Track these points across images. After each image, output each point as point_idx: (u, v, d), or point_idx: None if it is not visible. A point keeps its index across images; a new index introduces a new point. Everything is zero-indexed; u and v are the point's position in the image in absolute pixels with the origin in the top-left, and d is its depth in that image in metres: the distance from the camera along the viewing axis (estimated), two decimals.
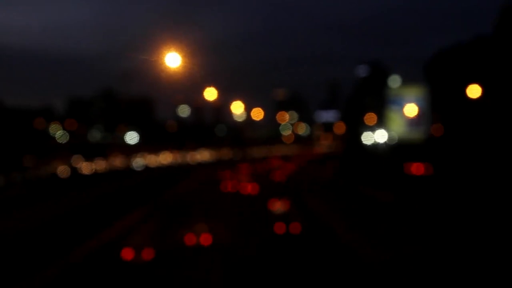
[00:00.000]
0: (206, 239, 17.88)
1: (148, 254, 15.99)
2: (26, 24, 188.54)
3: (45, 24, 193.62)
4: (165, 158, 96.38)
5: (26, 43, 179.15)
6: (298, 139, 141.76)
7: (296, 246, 17.37)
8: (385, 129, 75.75)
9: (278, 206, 27.22)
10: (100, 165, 71.29)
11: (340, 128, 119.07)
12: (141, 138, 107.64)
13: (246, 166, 72.79)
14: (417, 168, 46.72)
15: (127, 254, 16.05)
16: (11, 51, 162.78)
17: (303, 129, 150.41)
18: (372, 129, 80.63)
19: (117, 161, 76.57)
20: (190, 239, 17.93)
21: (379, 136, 76.15)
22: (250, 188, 39.84)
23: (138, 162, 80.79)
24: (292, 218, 22.77)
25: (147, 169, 73.99)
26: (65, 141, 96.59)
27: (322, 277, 13.50)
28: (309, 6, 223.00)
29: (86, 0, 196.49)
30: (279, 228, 20.48)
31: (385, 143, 74.12)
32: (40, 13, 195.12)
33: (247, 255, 16.13)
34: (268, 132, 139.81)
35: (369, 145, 78.88)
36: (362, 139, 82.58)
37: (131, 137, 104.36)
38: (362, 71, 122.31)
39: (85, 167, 66.79)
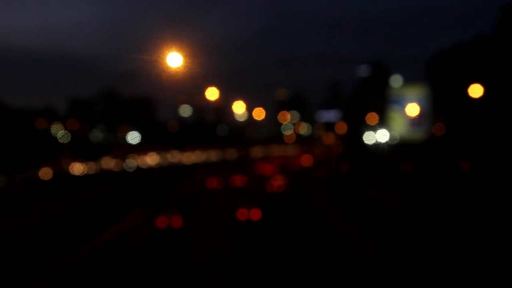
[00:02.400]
0: (242, 182, 41.80)
1: (212, 184, 39.70)
2: (26, 24, 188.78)
3: (45, 24, 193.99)
4: (153, 159, 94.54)
5: (27, 43, 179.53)
6: (299, 139, 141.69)
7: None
8: (386, 129, 75.74)
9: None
10: (92, 166, 71.08)
11: (341, 128, 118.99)
12: (143, 138, 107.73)
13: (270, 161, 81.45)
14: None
15: (211, 184, 39.70)
16: (11, 51, 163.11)
17: (304, 129, 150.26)
18: (374, 129, 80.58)
19: (112, 162, 76.35)
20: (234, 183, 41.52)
21: (381, 136, 76.08)
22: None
23: (130, 163, 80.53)
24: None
25: (138, 170, 73.40)
26: (67, 141, 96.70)
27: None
28: (309, 6, 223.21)
29: (86, 0, 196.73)
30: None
31: (386, 143, 74.11)
32: (40, 13, 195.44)
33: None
34: (269, 132, 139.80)
35: (371, 145, 78.84)
36: (364, 139, 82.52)
37: (133, 137, 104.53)
38: (363, 71, 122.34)
39: (82, 168, 66.75)
